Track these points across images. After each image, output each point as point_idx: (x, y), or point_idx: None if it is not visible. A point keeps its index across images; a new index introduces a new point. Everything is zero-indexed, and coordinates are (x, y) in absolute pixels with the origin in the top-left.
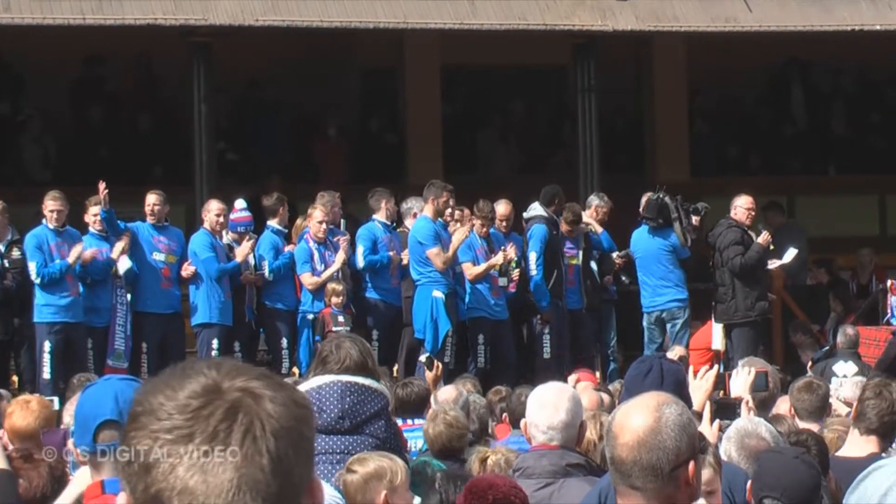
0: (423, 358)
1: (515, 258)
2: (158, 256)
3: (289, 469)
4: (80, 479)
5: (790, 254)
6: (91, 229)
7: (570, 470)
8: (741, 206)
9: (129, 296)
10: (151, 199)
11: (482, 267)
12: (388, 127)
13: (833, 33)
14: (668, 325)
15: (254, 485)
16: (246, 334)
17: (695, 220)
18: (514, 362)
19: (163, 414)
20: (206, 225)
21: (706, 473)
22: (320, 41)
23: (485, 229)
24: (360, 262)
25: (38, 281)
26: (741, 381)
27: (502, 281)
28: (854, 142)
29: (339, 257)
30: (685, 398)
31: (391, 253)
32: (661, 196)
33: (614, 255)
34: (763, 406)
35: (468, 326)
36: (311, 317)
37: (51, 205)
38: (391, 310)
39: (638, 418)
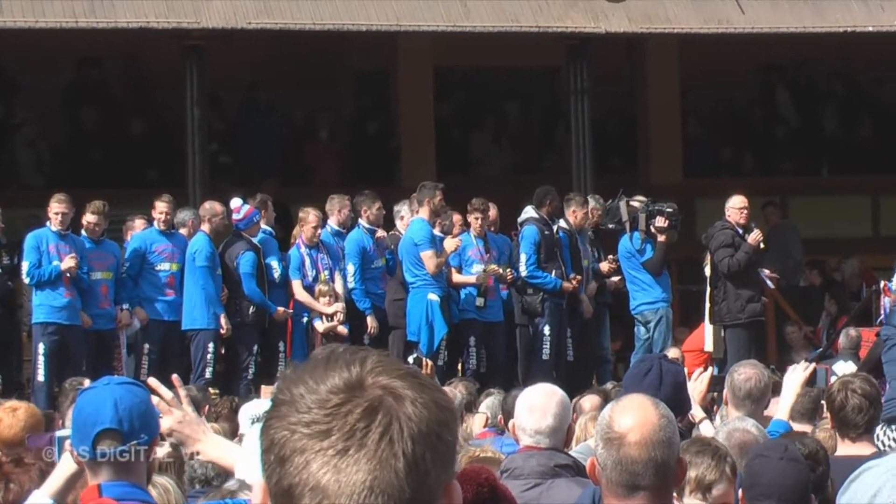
0: (411, 359)
1: (496, 269)
2: (163, 266)
3: (424, 473)
4: (65, 465)
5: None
6: (83, 233)
7: (559, 470)
8: (733, 207)
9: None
10: (163, 207)
11: (461, 279)
12: (382, 129)
13: (825, 35)
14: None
15: (386, 488)
16: (239, 338)
17: (660, 220)
18: (505, 364)
19: (302, 406)
20: (206, 228)
21: (721, 487)
22: (313, 43)
23: (479, 224)
24: (350, 283)
25: (27, 281)
26: (797, 376)
27: (479, 301)
28: (847, 142)
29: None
30: (684, 399)
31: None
32: (613, 200)
33: (609, 257)
34: (751, 398)
35: (459, 329)
36: (304, 319)
37: (56, 207)
38: (379, 313)
39: (643, 417)
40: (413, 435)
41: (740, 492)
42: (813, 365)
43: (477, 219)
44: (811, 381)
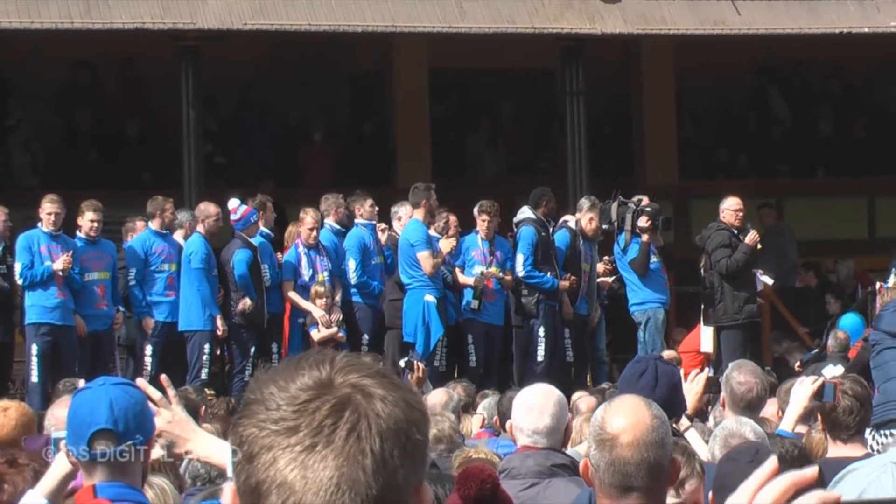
0: (403, 361)
1: (497, 272)
2: (163, 267)
3: (392, 471)
4: (59, 465)
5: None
6: (79, 234)
7: (556, 470)
8: (728, 209)
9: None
10: (170, 207)
11: (462, 280)
12: (377, 130)
13: (821, 35)
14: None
15: (353, 485)
16: (237, 338)
17: (643, 220)
18: (501, 365)
19: (272, 404)
20: (201, 229)
21: (693, 483)
22: (308, 44)
23: (486, 226)
24: (353, 278)
25: (20, 282)
26: (805, 389)
27: (474, 304)
28: (842, 144)
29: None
30: (679, 400)
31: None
32: (607, 201)
33: (605, 258)
34: (750, 408)
35: (461, 328)
36: (301, 320)
37: (47, 207)
38: (376, 313)
39: (636, 418)
40: (381, 432)
41: (710, 494)
42: (822, 378)
43: (485, 221)
44: (819, 394)
